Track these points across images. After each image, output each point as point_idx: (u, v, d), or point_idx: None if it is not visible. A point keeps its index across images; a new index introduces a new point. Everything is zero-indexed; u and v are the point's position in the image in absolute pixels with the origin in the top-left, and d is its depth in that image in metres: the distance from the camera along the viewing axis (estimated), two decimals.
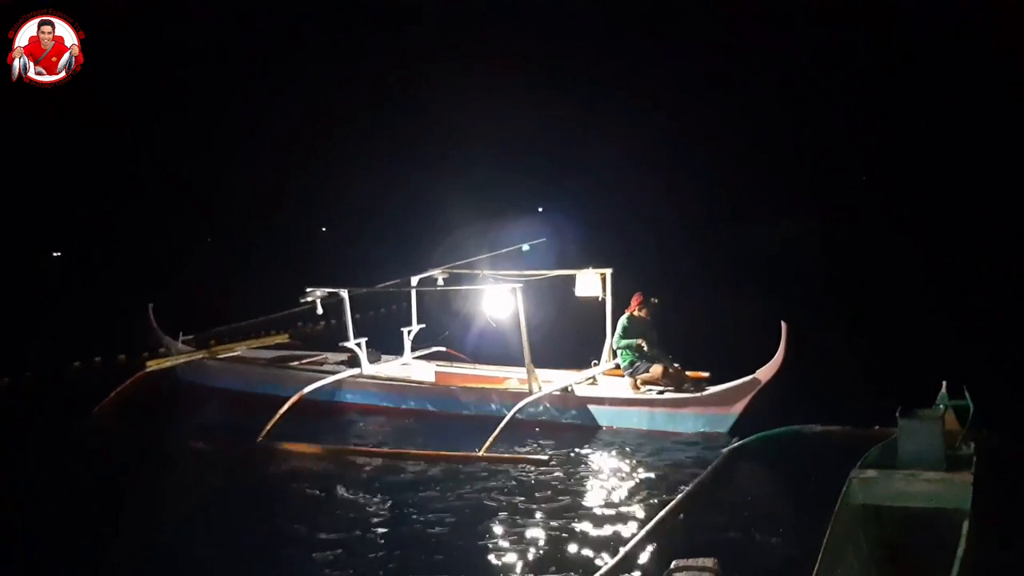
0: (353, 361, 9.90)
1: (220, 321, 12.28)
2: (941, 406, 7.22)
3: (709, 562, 3.73)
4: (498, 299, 9.38)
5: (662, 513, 6.53)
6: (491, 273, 10.24)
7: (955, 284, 17.80)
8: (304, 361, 10.87)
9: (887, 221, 32.92)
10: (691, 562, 3.73)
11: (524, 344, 8.86)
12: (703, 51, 45.69)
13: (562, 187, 41.68)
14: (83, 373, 12.04)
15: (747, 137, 43.46)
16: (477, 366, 10.41)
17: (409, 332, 10.45)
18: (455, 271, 10.73)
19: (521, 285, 9.01)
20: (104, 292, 19.14)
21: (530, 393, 8.78)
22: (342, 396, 9.73)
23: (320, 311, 9.66)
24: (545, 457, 7.99)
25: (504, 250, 11.15)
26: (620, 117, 43.36)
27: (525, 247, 11.07)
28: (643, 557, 5.85)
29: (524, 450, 8.34)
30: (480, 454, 7.94)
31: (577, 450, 8.36)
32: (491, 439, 8.01)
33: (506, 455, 7.99)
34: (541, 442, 8.61)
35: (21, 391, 11.21)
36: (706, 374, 9.36)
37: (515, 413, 8.40)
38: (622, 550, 5.86)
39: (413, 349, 10.54)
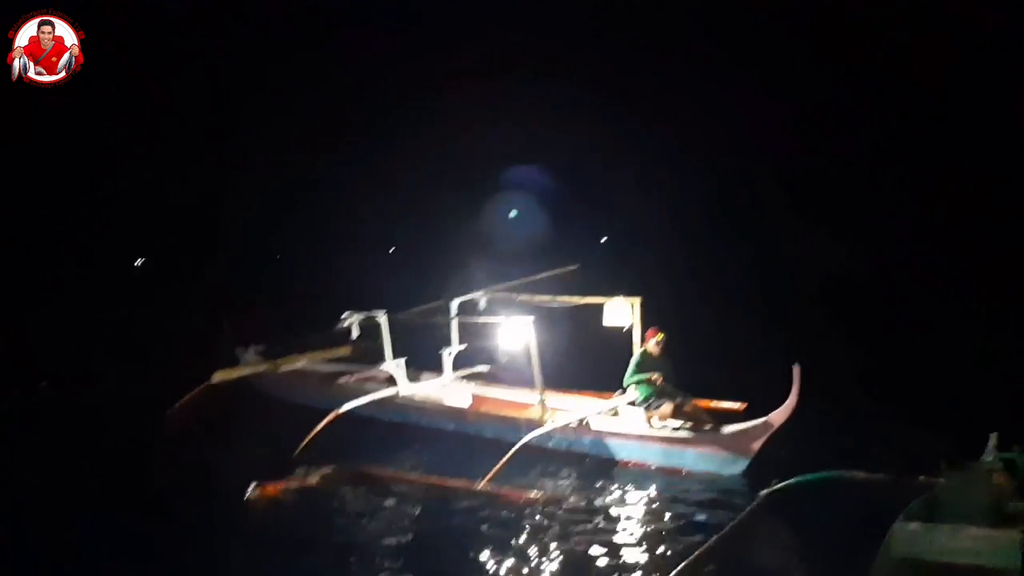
0: (391, 380, 10.44)
1: (291, 332, 13.10)
2: (990, 458, 6.94)
3: None
4: (513, 332, 9.65)
5: (692, 558, 6.44)
6: (526, 298, 10.56)
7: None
8: (358, 376, 11.51)
9: (918, 235, 30.23)
10: None
11: (536, 376, 9.12)
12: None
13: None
14: (157, 380, 12.73)
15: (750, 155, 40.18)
16: (516, 390, 10.58)
17: (449, 353, 10.79)
18: (497, 293, 11.03)
19: (534, 318, 9.26)
20: (188, 300, 20.01)
21: (541, 424, 9.03)
22: (378, 415, 10.23)
23: (357, 334, 10.19)
24: (533, 497, 8.05)
25: (546, 274, 11.43)
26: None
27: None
28: None
29: (533, 482, 8.50)
30: (479, 487, 8.16)
31: (587, 484, 8.56)
32: (493, 472, 8.22)
33: (503, 491, 8.12)
34: (552, 473, 8.81)
35: (101, 394, 12.24)
36: (739, 406, 9.35)
37: (523, 444, 8.60)
38: None
39: (457, 368, 10.92)
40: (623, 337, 9.93)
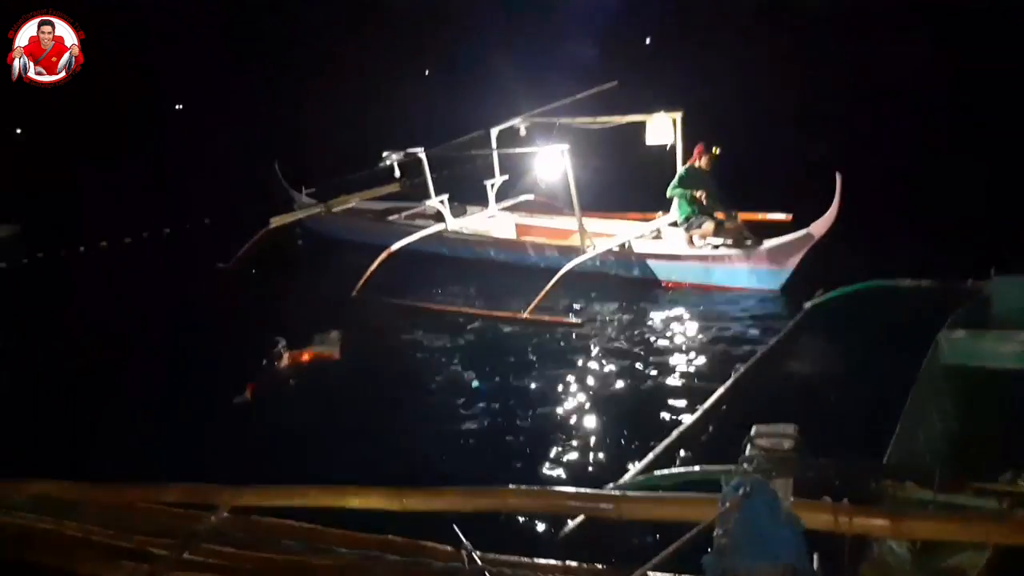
0: (439, 216, 10.69)
1: (337, 173, 13.33)
2: None
3: (790, 428, 3.44)
4: (549, 160, 9.63)
5: (738, 374, 6.52)
6: (565, 121, 10.43)
7: None
8: (407, 212, 11.79)
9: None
10: (772, 428, 3.46)
11: (575, 203, 9.21)
12: None
13: None
14: (214, 228, 13.35)
15: None
16: (560, 218, 10.67)
17: (492, 185, 10.93)
18: (538, 120, 10.85)
19: (568, 147, 9.20)
20: (229, 146, 20.08)
21: (583, 251, 9.21)
22: (427, 250, 10.49)
23: (398, 174, 10.34)
24: (579, 321, 8.37)
25: (585, 93, 11.17)
26: None
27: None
28: (719, 420, 5.80)
29: (576, 308, 8.80)
30: (524, 316, 8.48)
31: (630, 306, 8.82)
32: (537, 300, 8.48)
33: (547, 318, 8.43)
34: (595, 298, 9.05)
35: (161, 245, 12.77)
36: (786, 217, 9.35)
37: (566, 271, 8.80)
38: (695, 414, 5.87)
39: (500, 199, 11.12)
40: (667, 156, 9.83)
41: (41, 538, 4.19)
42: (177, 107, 34.60)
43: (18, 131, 30.18)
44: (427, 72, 38.23)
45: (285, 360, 7.44)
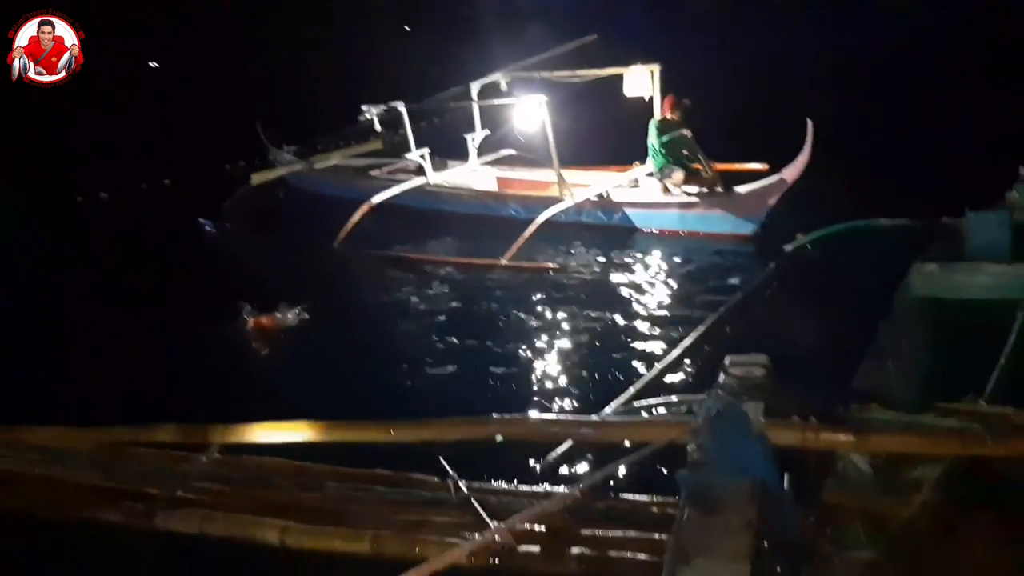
0: (420, 170, 10.70)
1: (318, 130, 13.27)
2: (1016, 194, 6.98)
3: (761, 358, 3.63)
4: (528, 112, 9.65)
5: (716, 315, 6.67)
6: (546, 75, 10.44)
7: None
8: (388, 168, 11.77)
9: None
10: (744, 358, 3.65)
11: (552, 154, 9.28)
12: None
13: None
14: (200, 183, 13.03)
15: None
16: (540, 171, 10.63)
17: (473, 139, 10.89)
18: (519, 74, 10.78)
19: (547, 98, 9.25)
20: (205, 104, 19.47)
21: (561, 200, 9.31)
22: (410, 203, 10.48)
23: (378, 127, 10.34)
24: (557, 266, 8.54)
25: (564, 48, 11.18)
26: None
27: None
28: (696, 358, 6.01)
29: (554, 255, 8.92)
30: (503, 262, 8.61)
31: (606, 253, 8.94)
32: (515, 247, 8.61)
33: (525, 264, 8.60)
34: (572, 246, 9.17)
35: (155, 197, 12.66)
36: (762, 166, 9.45)
37: (544, 220, 8.93)
38: (672, 352, 6.06)
39: (481, 154, 11.10)
40: (645, 109, 9.87)
41: (33, 485, 4.28)
42: (151, 64, 33.61)
43: None
44: (407, 28, 37.64)
45: (251, 325, 7.44)
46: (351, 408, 4.73)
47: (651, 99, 9.78)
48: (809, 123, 8.16)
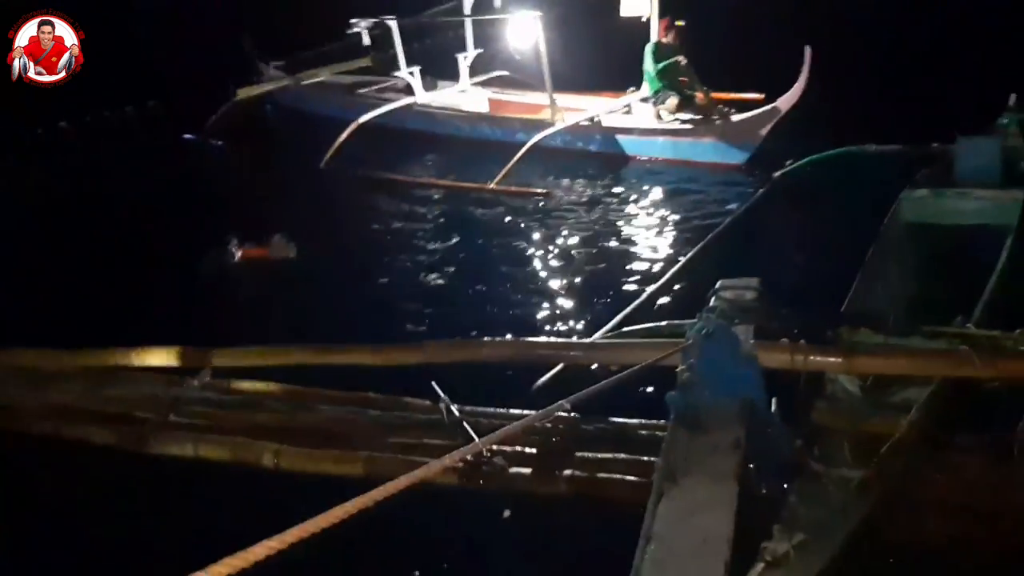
0: (409, 89, 10.46)
1: (307, 46, 12.86)
2: (1005, 120, 6.91)
3: (753, 281, 3.71)
4: (521, 28, 9.39)
5: (706, 239, 6.63)
6: None
7: None
8: (377, 86, 11.47)
9: None
10: (736, 281, 3.72)
11: (546, 75, 9.06)
12: None
13: None
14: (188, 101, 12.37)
15: None
16: (534, 93, 10.31)
17: (465, 58, 10.61)
18: None
19: (541, 14, 8.98)
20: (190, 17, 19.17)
21: (552, 124, 9.13)
22: (398, 123, 10.22)
23: (367, 42, 10.01)
24: (546, 191, 8.39)
25: None
26: None
27: None
28: (687, 282, 5.95)
29: (544, 180, 8.76)
30: (491, 186, 8.45)
31: (597, 179, 8.82)
32: (504, 171, 8.44)
33: (514, 188, 8.42)
34: (563, 171, 9.00)
35: (142, 117, 12.14)
36: (758, 96, 9.27)
37: (534, 143, 8.74)
38: (663, 277, 6.03)
39: (473, 74, 10.82)
40: (641, 30, 9.56)
41: (26, 407, 4.27)
42: None
43: None
44: None
45: (239, 258, 7.31)
46: (342, 333, 4.73)
47: (648, 20, 9.49)
48: (807, 50, 7.96)
